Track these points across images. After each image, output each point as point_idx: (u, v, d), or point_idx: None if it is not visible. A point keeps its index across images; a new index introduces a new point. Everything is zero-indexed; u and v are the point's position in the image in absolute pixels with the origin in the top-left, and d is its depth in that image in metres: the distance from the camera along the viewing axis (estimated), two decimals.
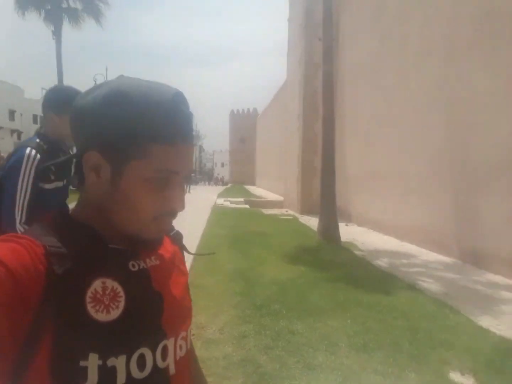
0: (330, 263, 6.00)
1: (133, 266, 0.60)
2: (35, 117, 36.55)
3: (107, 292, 0.55)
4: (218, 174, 51.93)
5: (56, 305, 0.50)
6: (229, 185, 31.99)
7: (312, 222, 10.16)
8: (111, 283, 0.56)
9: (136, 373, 0.55)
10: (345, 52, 11.99)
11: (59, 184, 1.89)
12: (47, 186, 1.80)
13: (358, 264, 6.15)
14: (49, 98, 1.85)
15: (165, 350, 0.60)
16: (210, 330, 3.29)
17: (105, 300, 0.55)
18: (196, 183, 42.58)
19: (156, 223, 0.59)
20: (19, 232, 1.70)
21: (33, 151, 1.72)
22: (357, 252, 7.08)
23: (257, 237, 7.88)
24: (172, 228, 0.77)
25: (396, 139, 8.72)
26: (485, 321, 3.77)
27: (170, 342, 0.61)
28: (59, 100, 1.81)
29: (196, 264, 5.44)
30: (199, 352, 2.68)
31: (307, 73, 12.27)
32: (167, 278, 0.65)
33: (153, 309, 0.60)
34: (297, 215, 12.81)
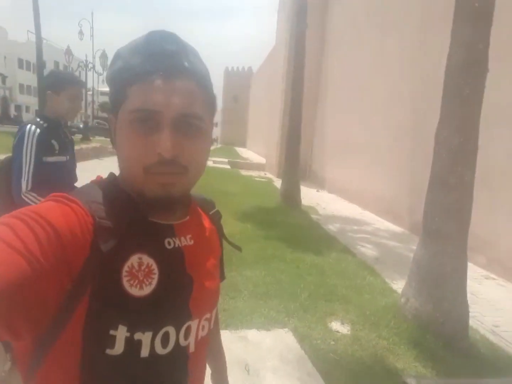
0: (280, 223, 6.22)
1: (169, 243, 0.61)
2: (20, 61, 34.77)
3: (142, 267, 0.56)
4: None
5: (95, 275, 0.52)
6: (218, 146, 31.74)
7: None
8: (147, 259, 0.57)
9: (159, 349, 0.58)
10: (333, 17, 11.64)
11: (62, 158, 2.08)
12: (49, 159, 1.99)
13: (307, 226, 6.39)
14: (47, 80, 2.12)
15: (188, 329, 0.63)
16: None
17: (140, 275, 0.56)
18: None
19: (151, 176, 0.55)
20: (25, 199, 1.88)
21: (33, 126, 1.95)
22: (313, 216, 7.31)
23: (220, 195, 8.02)
24: (213, 205, 0.77)
25: (369, 110, 8.72)
26: (399, 285, 4.01)
27: (194, 323, 0.64)
28: (56, 79, 2.08)
29: None
30: None
31: (293, 33, 11.90)
32: (199, 260, 0.66)
33: (182, 290, 0.62)
34: (274, 178, 12.98)
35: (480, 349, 2.82)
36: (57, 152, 2.04)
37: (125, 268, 0.55)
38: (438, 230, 2.86)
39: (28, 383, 0.55)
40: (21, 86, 43.27)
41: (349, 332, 2.88)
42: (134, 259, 0.56)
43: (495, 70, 3.91)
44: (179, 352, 0.61)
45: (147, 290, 0.56)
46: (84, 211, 0.53)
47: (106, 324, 0.53)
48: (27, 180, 1.91)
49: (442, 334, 2.73)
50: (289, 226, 6.05)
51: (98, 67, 17.67)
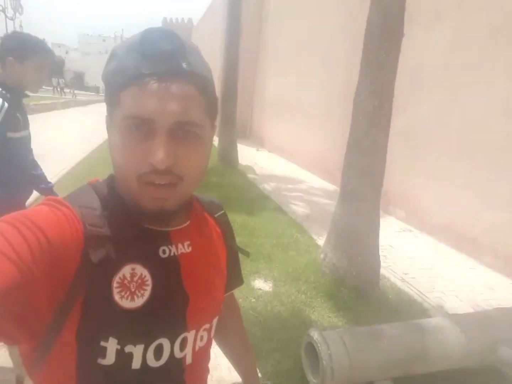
0: (214, 184, 6.15)
1: (164, 252, 0.58)
2: None
3: (135, 279, 0.54)
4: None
5: (85, 285, 0.50)
6: None
7: None
8: (140, 270, 0.55)
9: (151, 362, 0.56)
10: None
11: (25, 132, 1.90)
12: (15, 135, 1.79)
13: (243, 186, 6.40)
14: (8, 43, 1.79)
15: (184, 341, 0.60)
16: None
17: (132, 287, 0.54)
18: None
19: (144, 186, 0.51)
20: None
21: (0, 100, 1.70)
22: (249, 175, 7.32)
23: None
24: (219, 208, 0.74)
25: (307, 72, 8.68)
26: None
27: (190, 334, 0.61)
28: (20, 44, 1.78)
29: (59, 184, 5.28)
30: None
31: None
32: (197, 269, 0.62)
33: (177, 302, 0.59)
34: (214, 137, 12.71)
35: (389, 295, 3.08)
36: (21, 126, 1.84)
37: (117, 279, 0.53)
38: (354, 190, 2.97)
39: (32, 378, 0.57)
40: None
41: (270, 289, 2.98)
42: (126, 270, 0.54)
43: (417, 35, 4.02)
44: (174, 364, 0.59)
45: (138, 302, 0.54)
46: (75, 218, 0.52)
47: (96, 336, 0.52)
48: None
49: (356, 286, 2.93)
50: (223, 187, 6.01)
51: (10, 11, 15.23)
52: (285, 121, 9.84)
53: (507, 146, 3.79)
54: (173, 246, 0.60)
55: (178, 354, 0.59)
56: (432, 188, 4.81)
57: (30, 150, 2.01)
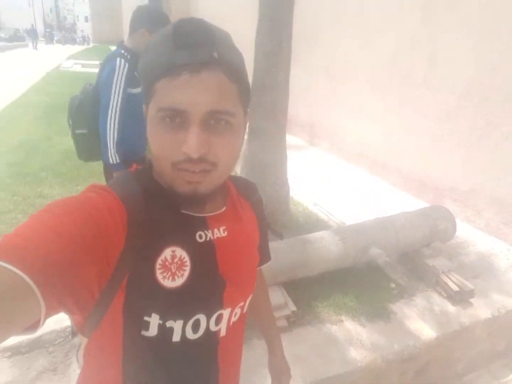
0: None
1: (200, 237, 0.62)
2: None
3: (175, 260, 0.58)
4: (82, 31, 42.53)
5: (130, 267, 0.54)
6: (90, 46, 27.24)
7: None
8: (180, 252, 0.59)
9: (190, 335, 0.62)
10: None
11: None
12: (134, 90, 2.03)
13: None
14: (142, 16, 2.03)
15: (219, 317, 0.65)
16: None
17: (173, 268, 0.58)
18: (51, 41, 38.10)
19: (178, 172, 0.54)
20: (108, 135, 1.94)
21: (123, 61, 1.96)
22: None
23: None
24: (254, 191, 0.77)
25: None
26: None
27: (226, 311, 0.65)
28: (154, 18, 2.00)
29: None
30: None
31: None
32: (233, 252, 0.65)
33: (215, 285, 0.63)
34: None
35: (299, 218, 3.44)
36: (139, 82, 2.03)
37: (159, 261, 0.57)
38: (259, 128, 3.14)
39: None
40: None
41: None
42: (167, 252, 0.58)
43: None
44: (209, 337, 0.65)
45: (179, 281, 0.59)
46: (120, 204, 0.55)
47: (140, 311, 0.57)
48: (115, 115, 1.96)
49: (267, 213, 3.22)
50: None
51: None
52: None
53: (412, 82, 4.09)
54: (209, 231, 0.63)
55: (213, 328, 0.65)
56: (350, 121, 5.13)
57: None
